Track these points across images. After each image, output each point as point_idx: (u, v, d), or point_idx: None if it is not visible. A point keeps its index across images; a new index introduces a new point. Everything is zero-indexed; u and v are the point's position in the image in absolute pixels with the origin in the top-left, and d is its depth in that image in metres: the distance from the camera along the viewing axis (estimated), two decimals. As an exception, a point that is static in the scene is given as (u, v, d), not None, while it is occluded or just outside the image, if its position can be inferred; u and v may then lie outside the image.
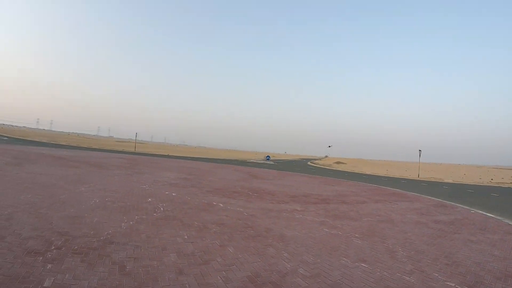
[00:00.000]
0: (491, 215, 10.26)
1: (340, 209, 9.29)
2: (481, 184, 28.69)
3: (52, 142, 52.97)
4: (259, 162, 47.86)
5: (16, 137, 58.85)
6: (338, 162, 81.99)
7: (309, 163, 72.78)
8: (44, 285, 3.15)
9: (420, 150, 40.24)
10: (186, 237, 5.30)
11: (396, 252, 5.24)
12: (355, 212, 8.85)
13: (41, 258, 3.83)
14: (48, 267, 3.59)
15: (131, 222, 5.88)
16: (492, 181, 34.21)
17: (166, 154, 49.41)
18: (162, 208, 7.33)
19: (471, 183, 29.37)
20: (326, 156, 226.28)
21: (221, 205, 8.44)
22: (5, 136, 55.44)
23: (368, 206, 10.17)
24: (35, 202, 6.70)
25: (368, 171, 45.25)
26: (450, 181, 32.27)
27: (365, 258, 4.85)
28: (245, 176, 18.47)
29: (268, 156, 50.58)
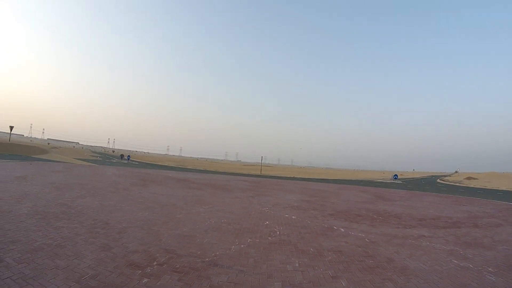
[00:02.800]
0: None
1: (472, 234, 9.08)
2: None
3: (180, 166, 64.44)
4: (387, 181, 51.43)
5: (146, 161, 74.32)
6: (469, 178, 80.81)
7: (438, 180, 74.67)
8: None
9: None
10: (297, 264, 5.28)
11: (540, 296, 4.77)
12: (489, 239, 8.50)
13: (140, 271, 4.47)
14: (143, 281, 4.14)
15: (242, 245, 6.25)
16: None
17: (292, 176, 54.68)
18: (278, 232, 7.63)
19: None
20: (456, 172, 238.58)
21: (342, 230, 8.64)
22: (136, 161, 71.06)
23: (504, 230, 9.84)
24: (150, 220, 8.06)
25: (502, 186, 46.11)
26: None
27: (500, 304, 4.52)
28: (371, 198, 19.24)
29: (395, 175, 49.34)
